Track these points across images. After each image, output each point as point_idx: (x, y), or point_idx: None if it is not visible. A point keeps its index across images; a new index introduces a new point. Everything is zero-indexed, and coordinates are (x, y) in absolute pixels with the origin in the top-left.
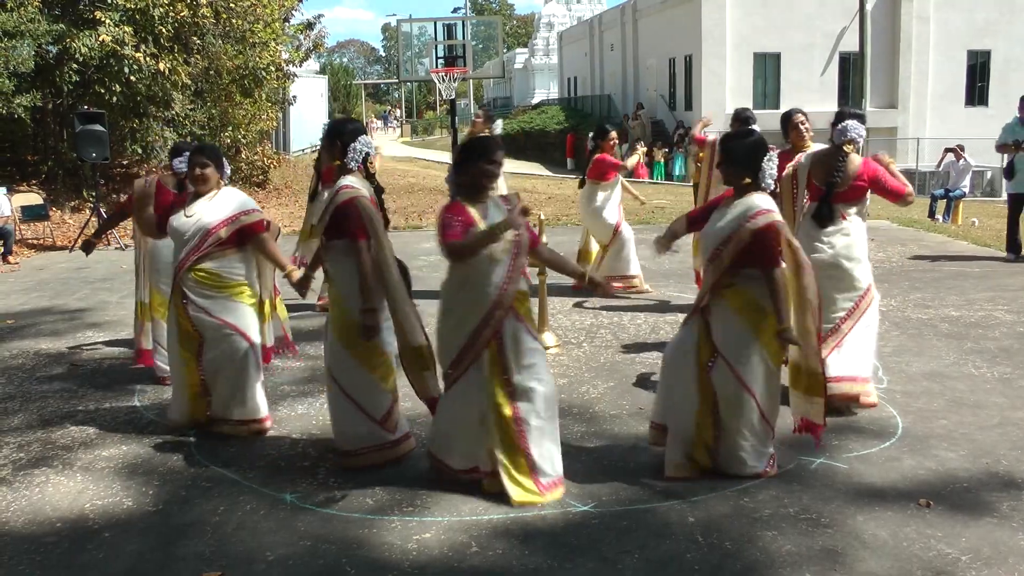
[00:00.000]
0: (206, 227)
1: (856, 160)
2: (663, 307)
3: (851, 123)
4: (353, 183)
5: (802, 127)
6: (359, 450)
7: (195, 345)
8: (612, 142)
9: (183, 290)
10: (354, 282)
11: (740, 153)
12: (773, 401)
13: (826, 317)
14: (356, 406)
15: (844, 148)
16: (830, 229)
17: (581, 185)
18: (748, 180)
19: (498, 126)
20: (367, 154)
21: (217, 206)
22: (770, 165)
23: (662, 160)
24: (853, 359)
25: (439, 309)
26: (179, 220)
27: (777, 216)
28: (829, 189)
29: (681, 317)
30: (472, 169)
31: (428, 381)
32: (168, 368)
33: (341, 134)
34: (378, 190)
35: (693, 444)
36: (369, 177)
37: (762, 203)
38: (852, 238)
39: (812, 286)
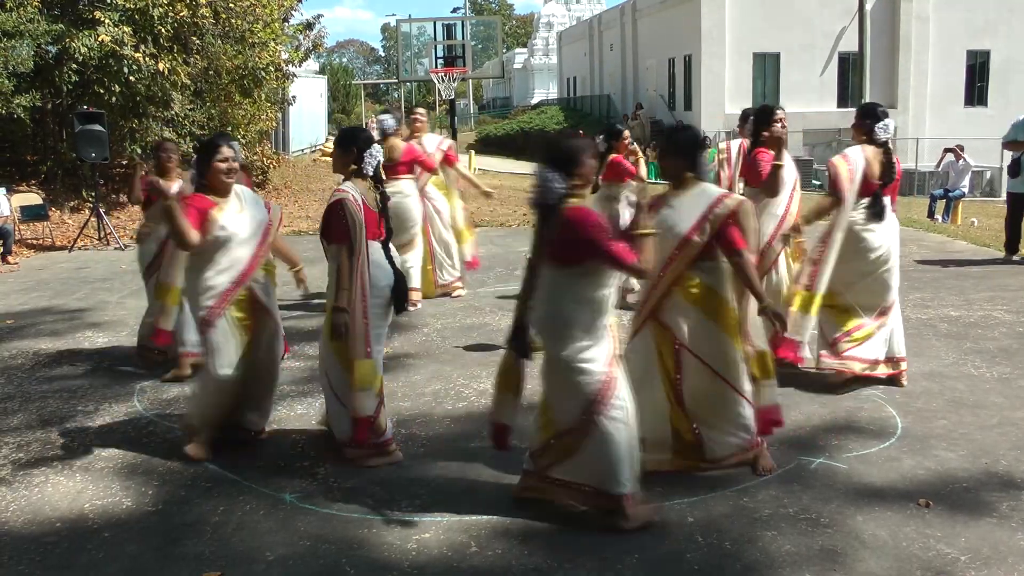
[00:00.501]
0: (265, 220)
1: (894, 157)
2: None
3: (891, 121)
4: (348, 188)
5: (783, 123)
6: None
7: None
8: (626, 141)
9: (254, 293)
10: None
11: (683, 144)
12: (745, 381)
13: (874, 303)
14: (340, 404)
15: (888, 144)
16: (883, 223)
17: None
18: (690, 172)
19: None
20: (379, 161)
21: (249, 200)
22: (703, 160)
23: (657, 160)
24: (900, 341)
25: (562, 321)
26: (232, 218)
27: (741, 197)
28: (886, 185)
29: None
30: (587, 166)
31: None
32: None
33: (356, 140)
34: (383, 197)
35: (672, 446)
36: (377, 184)
37: (717, 190)
38: (897, 231)
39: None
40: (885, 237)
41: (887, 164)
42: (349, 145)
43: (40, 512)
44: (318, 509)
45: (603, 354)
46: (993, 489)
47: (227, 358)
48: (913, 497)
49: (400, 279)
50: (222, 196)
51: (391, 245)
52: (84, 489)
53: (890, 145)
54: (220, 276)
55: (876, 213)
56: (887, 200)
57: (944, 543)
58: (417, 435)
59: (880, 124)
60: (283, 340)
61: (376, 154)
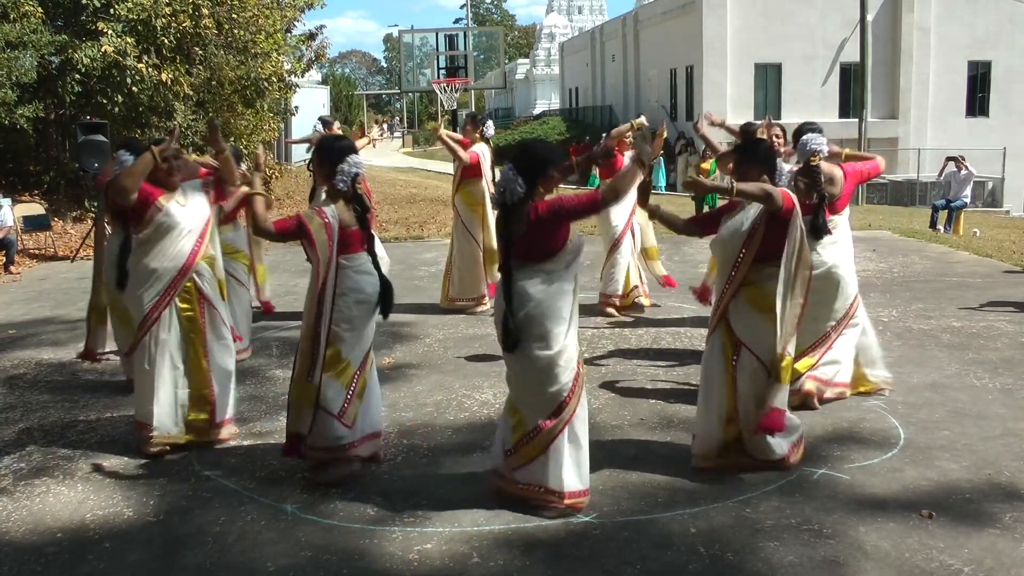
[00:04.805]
0: (206, 215)
1: (835, 169)
2: (664, 317)
3: (809, 136)
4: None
5: (776, 139)
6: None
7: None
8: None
9: (197, 284)
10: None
11: (763, 155)
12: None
13: (816, 328)
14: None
15: (811, 161)
16: (824, 241)
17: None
18: (766, 177)
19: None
20: (356, 174)
21: (191, 192)
22: (781, 166)
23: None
24: (838, 366)
25: (552, 314)
26: (177, 209)
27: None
28: (821, 202)
29: (682, 327)
30: (550, 178)
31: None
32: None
33: (328, 156)
34: (361, 209)
35: (723, 441)
36: (356, 198)
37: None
38: (844, 247)
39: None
40: (827, 257)
41: (815, 182)
42: (323, 161)
43: (41, 522)
44: (319, 519)
45: (573, 353)
46: (996, 500)
47: (168, 351)
48: (916, 508)
49: (387, 286)
50: (169, 190)
51: (378, 253)
52: (85, 499)
53: (813, 161)
54: (164, 268)
55: (815, 232)
56: (839, 217)
57: (947, 554)
58: (419, 446)
59: (800, 141)
60: (231, 330)
61: (351, 168)
